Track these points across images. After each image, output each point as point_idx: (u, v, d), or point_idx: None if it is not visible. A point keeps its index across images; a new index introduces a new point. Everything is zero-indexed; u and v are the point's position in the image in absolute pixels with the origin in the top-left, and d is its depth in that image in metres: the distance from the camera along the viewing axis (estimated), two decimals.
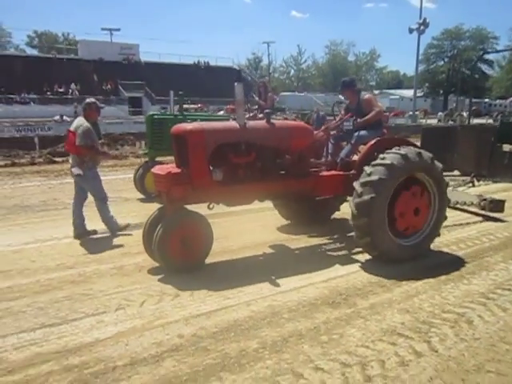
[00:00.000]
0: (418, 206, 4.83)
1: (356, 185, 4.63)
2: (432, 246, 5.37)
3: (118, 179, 10.46)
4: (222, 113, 27.56)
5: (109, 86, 39.64)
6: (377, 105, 5.64)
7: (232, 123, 4.91)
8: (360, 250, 5.02)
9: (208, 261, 4.72)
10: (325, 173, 5.31)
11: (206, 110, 31.57)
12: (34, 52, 57.09)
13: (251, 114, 9.31)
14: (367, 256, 4.91)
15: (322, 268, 4.63)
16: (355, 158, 5.40)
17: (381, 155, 4.73)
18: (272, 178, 4.87)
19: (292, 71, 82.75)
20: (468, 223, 6.44)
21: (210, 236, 4.54)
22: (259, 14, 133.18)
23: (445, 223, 6.27)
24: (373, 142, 5.17)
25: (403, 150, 4.70)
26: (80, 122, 5.63)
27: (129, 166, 12.81)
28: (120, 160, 14.43)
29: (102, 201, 5.73)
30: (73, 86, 36.76)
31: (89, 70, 41.24)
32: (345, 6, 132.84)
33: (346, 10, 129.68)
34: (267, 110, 5.17)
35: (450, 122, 30.03)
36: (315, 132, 5.51)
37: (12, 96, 34.07)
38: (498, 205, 6.61)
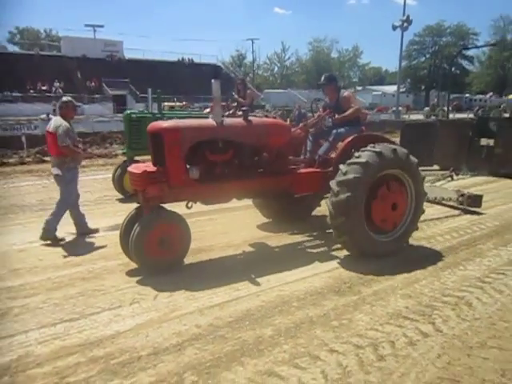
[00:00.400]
0: (395, 201, 4.83)
1: (332, 184, 4.64)
2: (426, 236, 5.63)
3: (108, 179, 10.44)
4: (207, 110, 27.51)
5: (93, 84, 39.09)
6: (355, 102, 5.65)
7: (209, 121, 4.83)
8: None
9: (215, 255, 4.87)
10: (303, 170, 5.32)
11: (191, 108, 31.47)
12: (16, 49, 55.91)
13: (230, 112, 9.22)
14: None
15: (325, 260, 4.82)
16: (334, 155, 5.41)
17: (356, 153, 4.74)
18: (250, 175, 4.85)
19: (276, 68, 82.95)
20: (459, 214, 6.71)
21: (188, 235, 4.47)
22: (243, 11, 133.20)
23: (437, 214, 6.55)
24: (350, 139, 5.21)
25: (378, 148, 4.71)
26: (58, 121, 5.49)
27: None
28: (110, 159, 14.41)
29: (64, 206, 5.53)
30: (56, 83, 36.17)
31: (72, 67, 40.56)
32: (327, 3, 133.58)
33: (328, 6, 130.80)
34: (244, 108, 5.18)
35: (433, 117, 30.57)
36: (293, 129, 5.50)
37: None
38: (475, 200, 6.75)
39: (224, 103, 9.91)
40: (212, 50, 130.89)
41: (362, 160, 4.57)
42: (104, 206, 7.66)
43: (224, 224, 6.21)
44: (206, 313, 3.62)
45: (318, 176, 5.25)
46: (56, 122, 5.53)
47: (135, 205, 4.71)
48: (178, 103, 31.25)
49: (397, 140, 8.39)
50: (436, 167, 10.69)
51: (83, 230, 5.78)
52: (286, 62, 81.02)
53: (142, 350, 3.07)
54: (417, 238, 5.46)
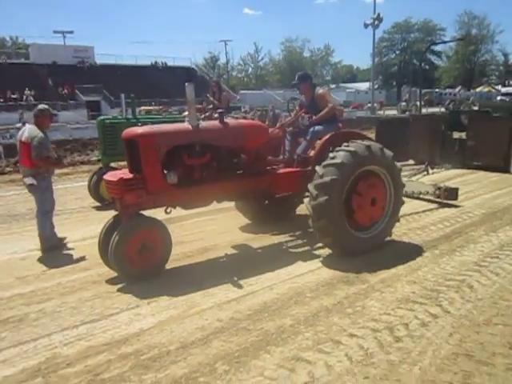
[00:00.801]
0: (375, 196, 4.87)
1: (310, 187, 4.66)
2: (420, 226, 5.88)
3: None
4: (186, 113, 27.43)
5: (65, 91, 38.42)
6: (331, 100, 5.65)
7: (184, 125, 4.79)
8: None
9: (220, 253, 4.98)
10: (282, 170, 5.32)
11: (169, 112, 31.34)
12: None
13: (206, 114, 9.21)
14: None
15: (328, 253, 4.99)
16: (312, 153, 5.38)
17: (331, 154, 4.74)
18: (229, 177, 4.84)
19: (250, 69, 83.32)
20: (448, 204, 6.99)
21: (169, 241, 4.43)
22: (211, 13, 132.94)
23: (428, 205, 6.82)
24: (327, 136, 5.22)
25: (352, 147, 4.72)
26: (33, 131, 5.17)
27: None
28: (93, 165, 14.25)
29: (44, 214, 5.36)
30: (27, 91, 35.38)
31: (43, 74, 39.77)
32: (296, 3, 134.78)
33: (297, 6, 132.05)
34: (220, 110, 5.18)
35: (407, 113, 31.37)
36: (270, 130, 5.53)
37: None
38: (452, 193, 6.88)
39: (200, 105, 9.94)
40: (185, 52, 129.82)
41: (338, 161, 4.59)
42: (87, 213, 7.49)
43: (224, 224, 6.31)
44: (224, 307, 3.73)
45: (298, 175, 5.24)
46: (31, 131, 5.20)
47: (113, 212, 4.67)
48: (155, 107, 31.07)
49: (373, 136, 8.56)
50: (411, 162, 10.80)
51: (48, 244, 5.39)
52: (259, 62, 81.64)
53: (170, 345, 3.17)
54: (411, 228, 5.73)
